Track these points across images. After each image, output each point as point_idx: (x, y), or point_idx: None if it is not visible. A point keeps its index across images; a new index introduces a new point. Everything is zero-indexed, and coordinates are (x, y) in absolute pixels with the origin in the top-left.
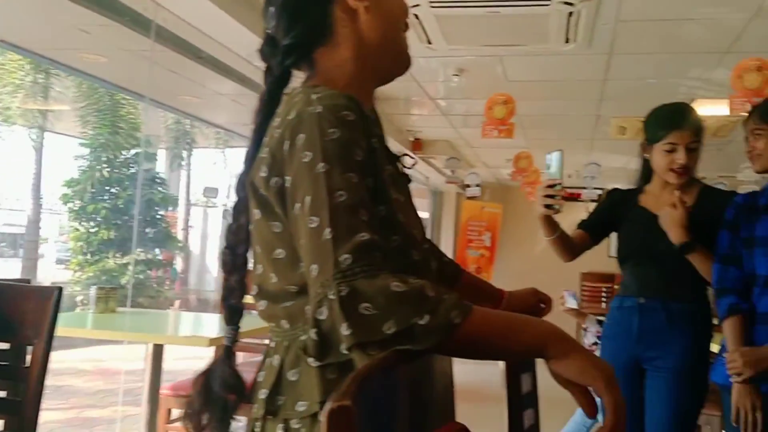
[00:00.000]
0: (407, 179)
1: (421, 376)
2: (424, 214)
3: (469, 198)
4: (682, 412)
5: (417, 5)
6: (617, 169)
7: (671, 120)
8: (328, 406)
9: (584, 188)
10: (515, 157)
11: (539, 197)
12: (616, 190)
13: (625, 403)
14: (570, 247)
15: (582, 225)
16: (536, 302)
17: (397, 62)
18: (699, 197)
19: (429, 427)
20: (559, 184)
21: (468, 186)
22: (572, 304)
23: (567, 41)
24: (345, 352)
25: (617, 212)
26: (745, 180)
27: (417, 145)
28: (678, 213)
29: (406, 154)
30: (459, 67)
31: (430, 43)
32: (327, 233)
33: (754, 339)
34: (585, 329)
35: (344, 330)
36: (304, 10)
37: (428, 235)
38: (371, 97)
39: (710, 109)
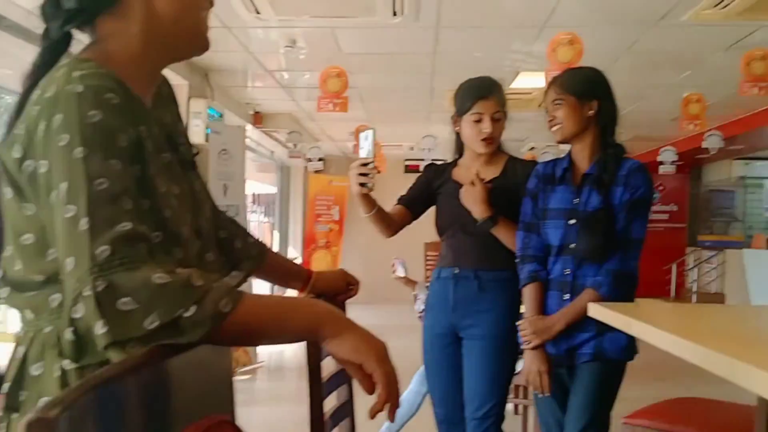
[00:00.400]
0: (192, 166)
1: (167, 374)
2: (272, 189)
3: (316, 172)
4: (496, 377)
5: None
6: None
7: (477, 91)
8: (27, 417)
9: (422, 160)
10: (355, 131)
11: (352, 176)
12: (431, 164)
13: (396, 377)
14: (389, 224)
15: (401, 200)
16: (344, 284)
17: (193, 43)
18: (506, 167)
19: (182, 424)
20: (372, 162)
21: (310, 160)
22: (402, 272)
23: (395, 14)
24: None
25: (433, 186)
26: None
27: (258, 118)
28: (477, 190)
29: (190, 144)
30: (291, 38)
31: (258, 12)
32: (84, 223)
33: (547, 303)
34: (415, 296)
35: (99, 328)
36: None
37: (276, 211)
38: (156, 77)
39: (533, 81)
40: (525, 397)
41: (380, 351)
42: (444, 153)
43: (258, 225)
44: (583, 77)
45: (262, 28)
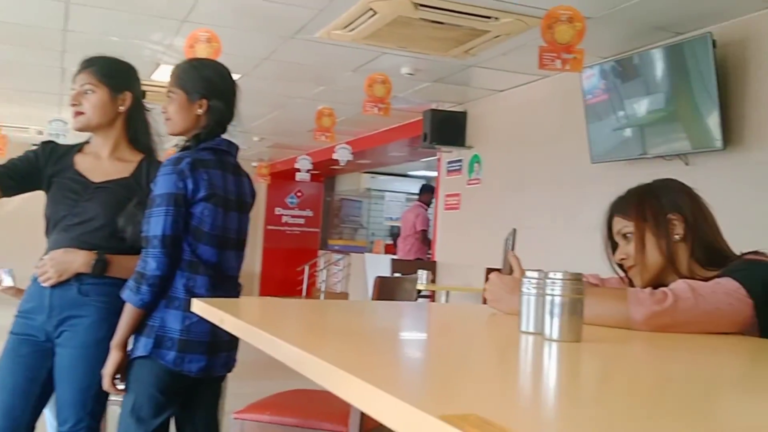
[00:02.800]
0: None
1: None
2: None
3: None
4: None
5: None
6: None
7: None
8: None
9: None
10: None
11: None
12: (51, 142)
13: None
14: None
15: None
16: None
17: None
18: (138, 165)
19: None
20: None
21: None
22: (9, 282)
23: None
24: None
25: (46, 170)
26: None
27: None
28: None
29: None
30: None
31: None
32: None
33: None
34: None
35: None
36: None
37: None
38: None
39: None
40: None
41: None
42: (76, 140)
43: None
44: (193, 72)
45: None
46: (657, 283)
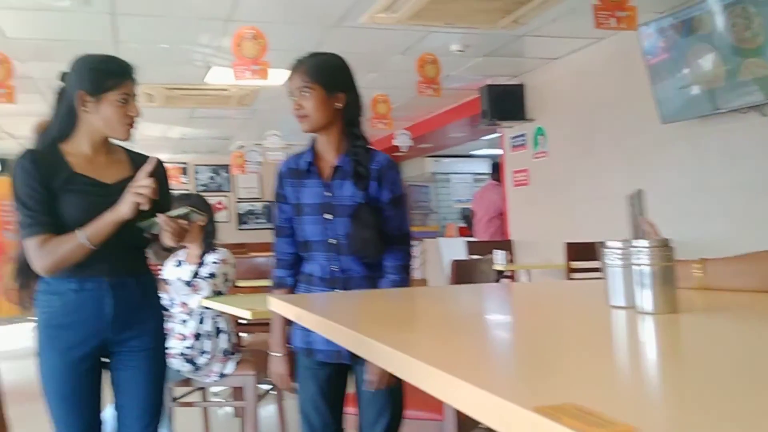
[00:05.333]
0: None
1: None
2: None
3: None
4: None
5: None
6: (157, 138)
7: (122, 69)
8: None
9: None
10: (37, 125)
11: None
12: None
13: None
14: None
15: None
16: None
17: None
18: (132, 164)
19: None
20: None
21: None
22: None
23: None
24: None
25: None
26: (272, 147)
27: None
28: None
29: None
30: None
31: None
32: None
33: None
34: None
35: None
36: None
37: None
38: None
39: (226, 76)
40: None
41: None
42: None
43: None
44: (331, 66)
45: None
46: None
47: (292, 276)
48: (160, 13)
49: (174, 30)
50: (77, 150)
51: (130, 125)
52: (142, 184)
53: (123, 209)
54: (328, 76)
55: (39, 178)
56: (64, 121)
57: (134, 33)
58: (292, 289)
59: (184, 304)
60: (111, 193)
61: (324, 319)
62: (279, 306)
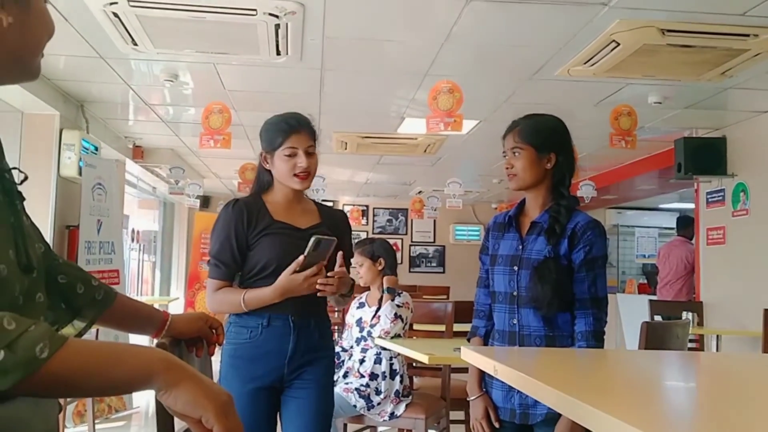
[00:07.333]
0: (20, 197)
1: None
2: (153, 227)
3: (191, 209)
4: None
5: (115, 2)
6: (344, 182)
7: (288, 125)
8: None
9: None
10: (241, 168)
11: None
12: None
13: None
14: None
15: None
16: (204, 327)
17: (20, 77)
18: (320, 213)
19: None
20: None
21: (189, 197)
22: None
23: (278, 53)
24: None
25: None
26: (451, 194)
27: (138, 152)
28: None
29: (16, 168)
30: (173, 73)
31: (135, 44)
32: None
33: None
34: None
35: None
36: None
37: (156, 249)
38: None
39: (417, 126)
40: None
41: (222, 404)
42: (334, 192)
43: (139, 263)
44: (543, 128)
45: (141, 60)
46: None
47: (486, 327)
48: (364, 68)
49: (375, 84)
50: (275, 200)
51: (300, 176)
52: (327, 282)
53: (283, 293)
54: (541, 137)
55: (235, 224)
56: (262, 175)
57: (338, 86)
58: (484, 340)
59: (363, 343)
60: (304, 237)
61: (523, 374)
62: (471, 357)
